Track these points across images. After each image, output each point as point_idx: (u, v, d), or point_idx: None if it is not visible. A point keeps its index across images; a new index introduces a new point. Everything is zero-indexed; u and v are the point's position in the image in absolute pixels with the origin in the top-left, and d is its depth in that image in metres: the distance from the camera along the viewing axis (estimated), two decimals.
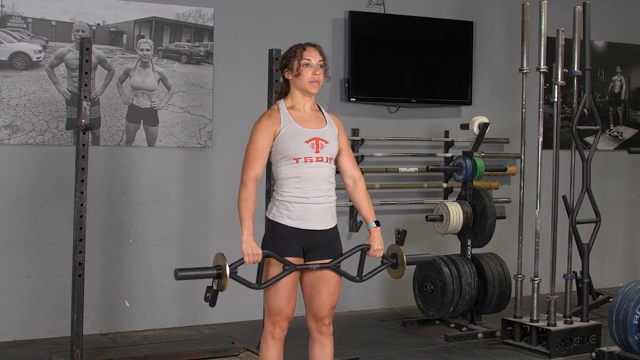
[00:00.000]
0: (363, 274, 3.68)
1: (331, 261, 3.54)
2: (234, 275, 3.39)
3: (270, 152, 3.53)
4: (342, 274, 3.60)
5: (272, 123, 3.50)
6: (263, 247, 3.52)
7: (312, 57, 3.56)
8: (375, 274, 3.70)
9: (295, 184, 3.48)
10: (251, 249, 3.42)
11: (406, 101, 6.52)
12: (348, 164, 3.67)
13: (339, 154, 3.65)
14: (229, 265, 3.37)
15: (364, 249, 3.64)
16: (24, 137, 5.36)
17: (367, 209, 3.66)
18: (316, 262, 3.51)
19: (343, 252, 3.60)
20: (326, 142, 3.53)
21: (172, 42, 5.80)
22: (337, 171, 3.65)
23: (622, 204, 7.66)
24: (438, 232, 5.89)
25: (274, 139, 3.49)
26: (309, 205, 3.48)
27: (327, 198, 3.54)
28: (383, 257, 3.69)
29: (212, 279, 3.43)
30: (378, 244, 3.63)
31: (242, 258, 3.43)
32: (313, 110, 3.61)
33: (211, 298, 3.41)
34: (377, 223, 3.64)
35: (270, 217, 3.55)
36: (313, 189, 3.48)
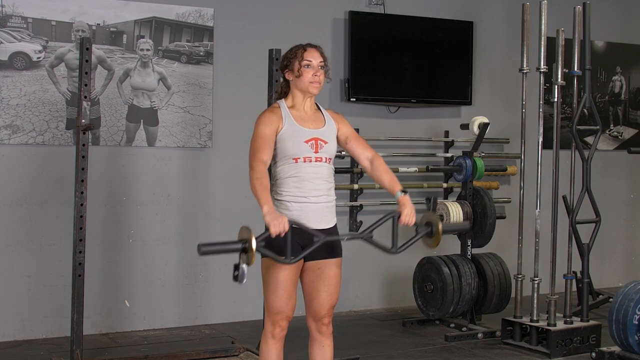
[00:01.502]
0: (398, 245, 3.49)
1: (363, 231, 3.46)
2: (261, 248, 3.22)
3: None
4: (375, 244, 3.48)
5: (276, 118, 3.51)
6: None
7: (313, 58, 3.56)
8: (411, 244, 3.53)
9: (295, 184, 3.48)
10: (276, 218, 3.25)
11: (406, 101, 6.52)
12: (358, 147, 3.65)
13: (347, 143, 3.63)
14: (256, 238, 3.19)
15: (395, 217, 3.45)
16: (24, 137, 5.36)
17: (389, 180, 3.59)
18: (348, 233, 3.39)
19: (342, 251, 3.60)
20: (325, 143, 3.54)
21: (172, 42, 5.80)
22: (339, 170, 3.63)
23: (622, 204, 7.67)
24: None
25: (276, 135, 3.49)
26: (308, 204, 3.48)
27: (327, 197, 3.54)
28: (416, 225, 3.53)
29: (238, 255, 3.23)
30: (409, 209, 3.50)
31: (267, 230, 3.25)
32: (313, 110, 3.62)
33: (240, 275, 3.22)
34: (404, 191, 3.55)
35: None
36: (312, 189, 3.48)
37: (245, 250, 3.19)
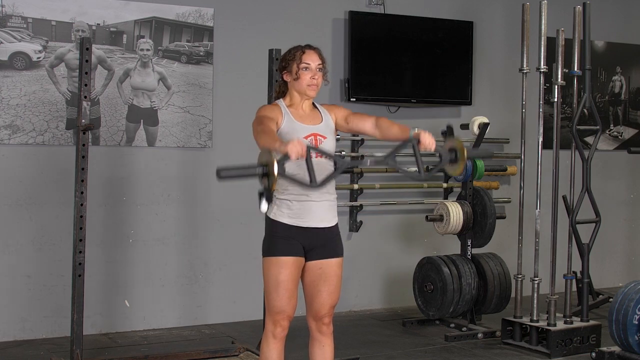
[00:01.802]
0: (424, 170, 3.39)
1: (386, 156, 3.38)
2: (282, 172, 3.06)
3: None
4: (400, 169, 3.41)
5: (276, 111, 3.54)
6: (264, 247, 3.52)
7: (312, 61, 3.57)
8: (437, 170, 3.47)
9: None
10: (292, 142, 3.10)
11: (406, 101, 6.52)
12: (360, 120, 3.62)
13: (348, 122, 3.60)
14: (277, 161, 3.02)
15: (415, 142, 3.33)
16: (24, 137, 5.36)
17: (398, 128, 3.51)
18: (371, 155, 3.33)
19: (343, 251, 3.60)
20: (324, 138, 3.55)
21: (172, 42, 5.80)
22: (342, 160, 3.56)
23: (622, 204, 7.66)
24: (438, 232, 5.89)
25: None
26: (310, 202, 3.49)
27: (328, 195, 3.54)
28: (438, 152, 3.44)
29: (260, 183, 3.08)
30: (428, 135, 3.39)
31: (286, 154, 3.11)
32: (310, 108, 3.64)
33: (267, 198, 3.06)
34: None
35: (272, 216, 3.55)
36: None
37: (267, 175, 3.05)
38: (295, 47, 3.63)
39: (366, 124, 3.62)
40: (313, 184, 3.18)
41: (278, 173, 3.02)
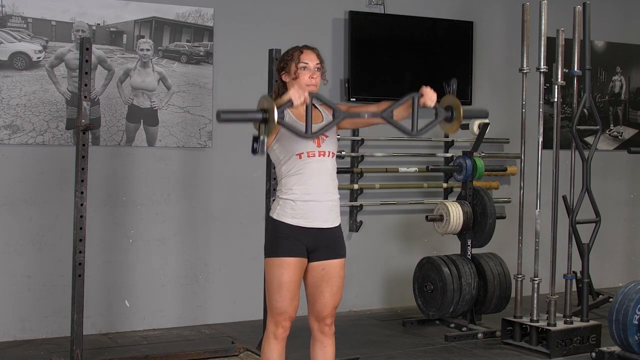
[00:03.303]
0: (418, 127, 3.39)
1: (384, 110, 3.36)
2: (281, 120, 3.11)
3: (273, 152, 3.52)
4: (395, 125, 3.39)
5: None
6: (267, 248, 3.52)
7: (310, 61, 3.56)
8: (431, 127, 3.45)
9: (299, 182, 3.47)
10: (297, 90, 3.22)
11: None
12: (364, 108, 3.57)
13: (352, 116, 3.52)
14: (277, 108, 3.06)
15: (416, 97, 3.36)
16: (24, 137, 5.36)
17: (399, 103, 3.45)
18: (369, 111, 3.34)
19: (345, 252, 3.60)
20: (326, 136, 3.53)
21: (172, 42, 5.80)
22: (339, 170, 3.63)
23: (622, 204, 7.66)
24: (438, 232, 5.89)
25: (275, 135, 3.48)
26: (313, 203, 3.48)
27: (331, 195, 3.54)
28: (436, 108, 3.44)
29: (257, 127, 3.12)
30: (430, 91, 3.40)
31: (289, 101, 3.19)
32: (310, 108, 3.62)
33: (259, 146, 3.10)
34: None
35: (275, 216, 3.54)
36: (317, 186, 3.48)
37: (266, 121, 3.07)
38: (293, 47, 3.62)
39: (367, 110, 3.55)
40: (308, 133, 3.20)
41: (278, 119, 3.04)
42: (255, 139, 3.10)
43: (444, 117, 3.43)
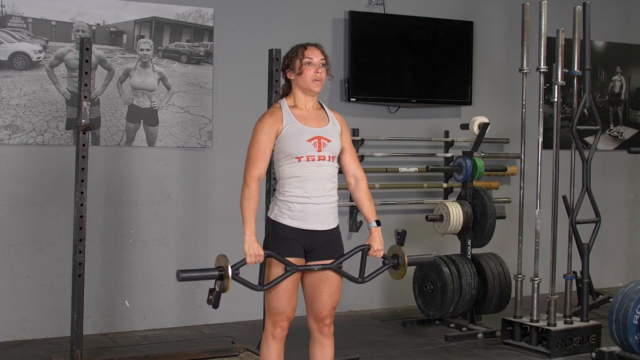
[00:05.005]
0: (365, 275, 3.67)
1: (333, 262, 3.53)
2: (236, 276, 3.39)
3: (273, 151, 3.52)
4: (344, 274, 3.60)
5: (275, 121, 3.50)
6: (265, 248, 3.52)
7: (314, 56, 3.55)
8: (377, 275, 3.71)
9: (297, 184, 3.47)
10: (253, 249, 3.43)
11: (406, 101, 6.52)
12: (351, 162, 3.66)
13: (342, 153, 3.63)
14: (231, 267, 3.37)
15: (365, 250, 3.64)
16: (24, 137, 5.36)
17: (368, 208, 3.65)
18: (318, 262, 3.51)
19: (343, 252, 3.60)
20: (328, 141, 3.52)
21: (172, 42, 5.80)
22: (340, 171, 3.64)
23: (622, 204, 7.67)
24: (438, 232, 5.89)
25: (276, 138, 3.49)
26: (311, 205, 3.48)
27: (329, 198, 3.53)
28: (384, 257, 3.68)
29: (214, 281, 3.44)
30: (378, 244, 3.63)
31: (244, 259, 3.43)
32: (315, 108, 3.60)
33: (214, 300, 3.43)
34: (378, 223, 3.64)
35: (272, 217, 3.55)
36: (315, 189, 3.48)
37: (222, 278, 3.39)
38: (297, 45, 3.62)
39: (351, 172, 3.67)
40: (258, 286, 3.48)
41: (232, 277, 3.36)
42: (211, 292, 3.45)
43: (391, 265, 3.71)
